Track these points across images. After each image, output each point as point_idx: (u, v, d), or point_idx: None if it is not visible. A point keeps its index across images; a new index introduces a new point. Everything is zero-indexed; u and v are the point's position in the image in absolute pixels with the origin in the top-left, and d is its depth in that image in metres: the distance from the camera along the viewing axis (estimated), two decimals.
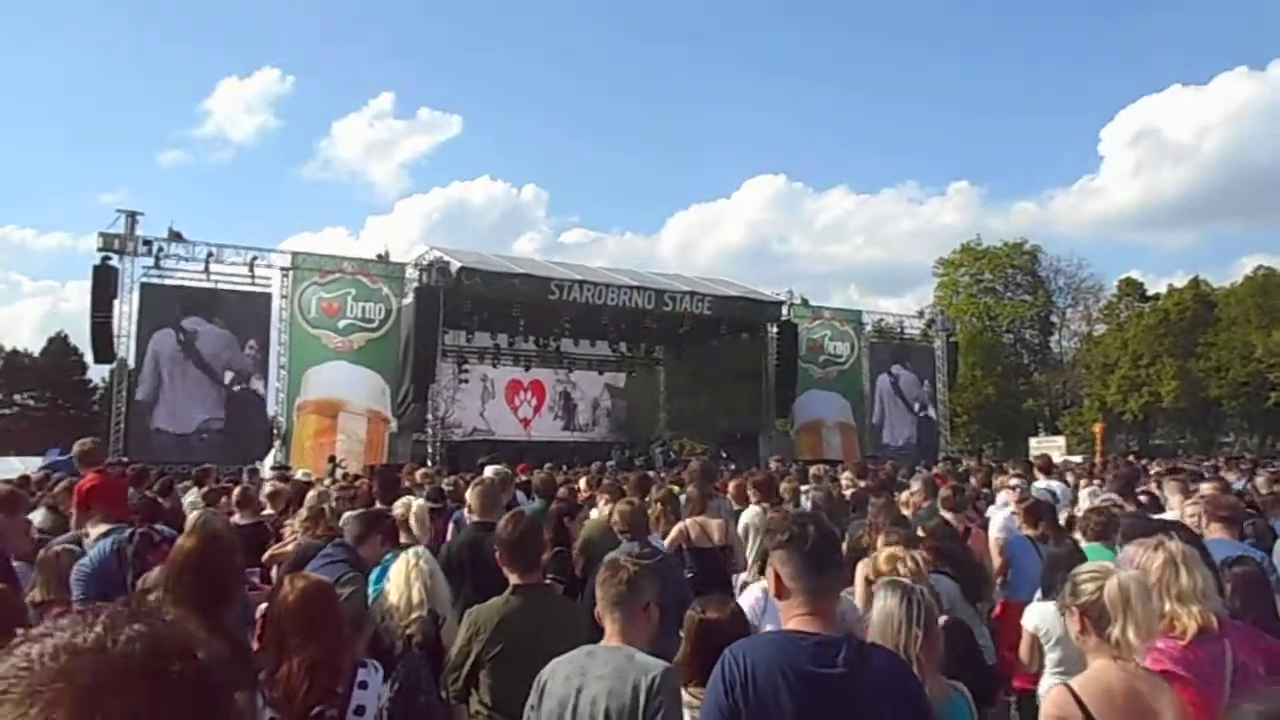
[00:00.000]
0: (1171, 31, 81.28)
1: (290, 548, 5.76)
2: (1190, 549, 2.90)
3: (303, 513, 5.92)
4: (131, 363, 20.80)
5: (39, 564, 4.66)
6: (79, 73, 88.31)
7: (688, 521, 6.19)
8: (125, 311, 20.66)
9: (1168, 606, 2.75)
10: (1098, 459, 24.05)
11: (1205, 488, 6.13)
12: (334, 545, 4.66)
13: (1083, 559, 4.56)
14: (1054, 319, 53.74)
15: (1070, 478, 11.10)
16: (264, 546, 6.44)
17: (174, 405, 20.91)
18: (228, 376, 21.53)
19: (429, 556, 4.38)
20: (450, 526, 7.06)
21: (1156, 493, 7.39)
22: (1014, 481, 7.64)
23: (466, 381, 29.43)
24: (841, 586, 2.47)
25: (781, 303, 28.82)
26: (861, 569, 4.64)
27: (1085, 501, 7.15)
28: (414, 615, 4.01)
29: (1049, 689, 2.58)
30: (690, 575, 5.84)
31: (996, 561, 6.28)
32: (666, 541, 5.99)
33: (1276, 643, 2.95)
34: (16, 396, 47.51)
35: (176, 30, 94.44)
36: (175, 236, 21.32)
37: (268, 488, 8.53)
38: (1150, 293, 50.47)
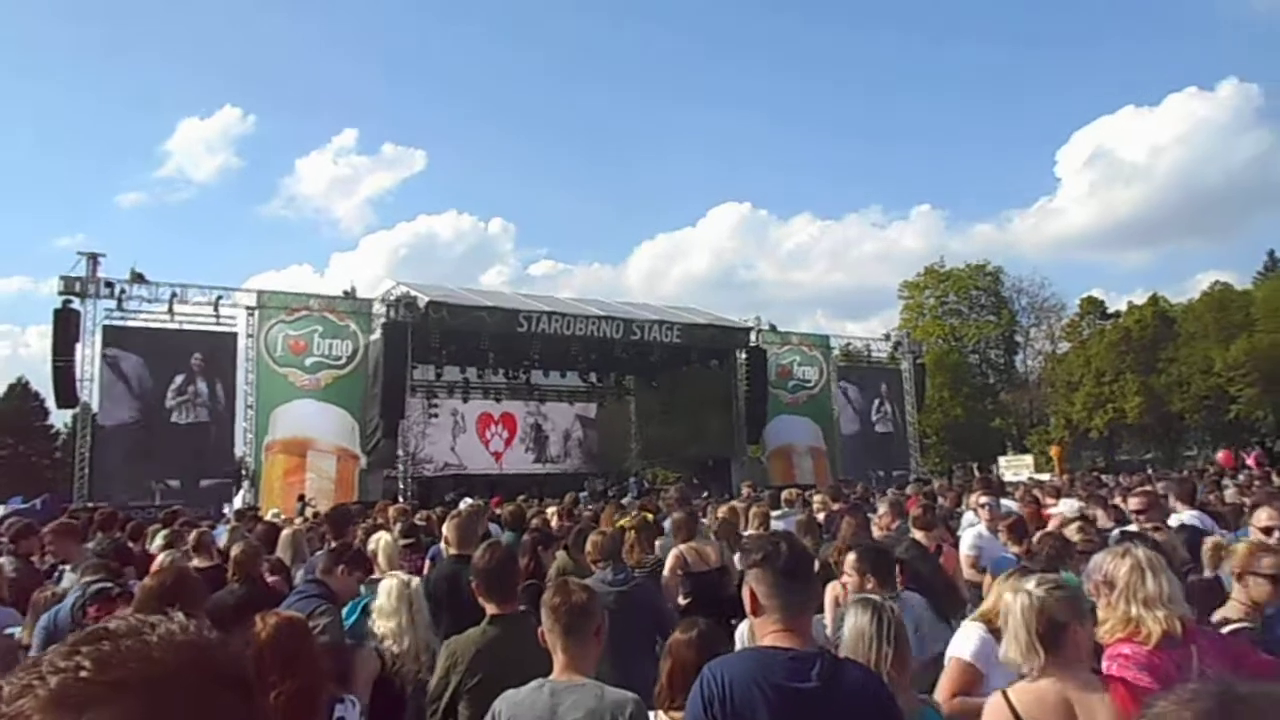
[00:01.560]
0: (1122, 54, 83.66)
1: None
2: (1156, 555, 2.99)
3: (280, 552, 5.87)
4: (95, 406, 20.47)
5: (32, 605, 4.79)
6: (39, 114, 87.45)
7: (683, 547, 6.21)
8: (88, 355, 20.37)
9: (1134, 611, 2.82)
10: (1060, 477, 24.41)
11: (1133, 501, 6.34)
12: (306, 581, 4.65)
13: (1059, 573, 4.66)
14: (1018, 338, 54.55)
15: (1038, 494, 11.28)
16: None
17: (138, 448, 20.55)
18: (188, 415, 21.21)
19: (418, 583, 4.40)
20: (427, 562, 7.02)
21: (1122, 506, 7.53)
22: (984, 500, 7.72)
23: (436, 416, 29.28)
24: (815, 603, 2.53)
25: (750, 329, 29.05)
26: (831, 591, 4.70)
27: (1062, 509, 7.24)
28: (420, 656, 4.00)
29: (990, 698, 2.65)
30: (689, 600, 5.87)
31: (971, 578, 6.36)
32: (666, 568, 6.01)
33: (1244, 647, 3.03)
34: None
35: (134, 71, 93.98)
36: (138, 278, 21.11)
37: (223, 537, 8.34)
38: (1111, 310, 51.51)
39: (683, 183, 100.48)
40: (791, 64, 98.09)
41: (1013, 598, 2.65)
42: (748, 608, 2.51)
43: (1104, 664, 2.77)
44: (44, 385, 31.88)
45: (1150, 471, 23.97)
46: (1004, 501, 9.52)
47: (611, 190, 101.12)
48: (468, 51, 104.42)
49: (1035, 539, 5.75)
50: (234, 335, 22.11)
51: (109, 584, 4.88)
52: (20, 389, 47.07)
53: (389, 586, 4.22)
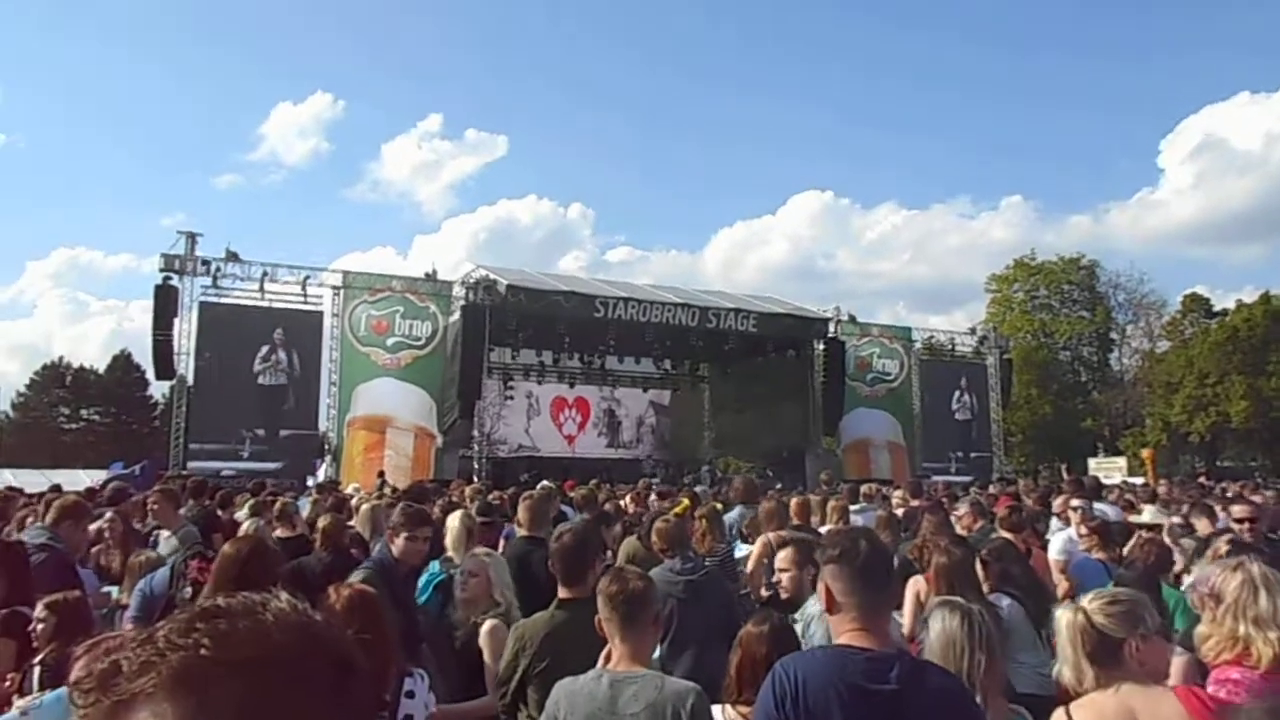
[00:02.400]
0: (1236, 37, 79.09)
1: None
2: (1274, 572, 2.76)
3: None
4: (190, 379, 21.36)
5: (128, 570, 5.00)
6: (148, 98, 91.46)
7: (773, 534, 6.06)
8: (185, 330, 21.23)
9: (1242, 629, 2.61)
10: (1151, 482, 23.33)
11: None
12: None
13: (1155, 586, 4.40)
14: (1113, 336, 52.36)
15: (1131, 499, 10.80)
16: None
17: (227, 420, 21.41)
18: (270, 379, 22.01)
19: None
20: (501, 541, 7.06)
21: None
22: (1076, 503, 7.38)
23: (512, 398, 29.61)
24: (894, 603, 2.42)
25: (828, 319, 28.56)
26: (912, 587, 4.53)
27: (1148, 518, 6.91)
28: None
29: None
30: (771, 593, 5.76)
31: (1060, 583, 6.09)
32: (753, 555, 5.88)
33: None
34: (83, 412, 49.08)
35: (234, 58, 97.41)
36: (232, 257, 21.89)
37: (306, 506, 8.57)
38: (1217, 308, 48.90)
39: (764, 170, 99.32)
40: (883, 57, 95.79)
41: (1061, 613, 2.50)
42: (823, 604, 2.41)
43: (1209, 687, 2.57)
44: (145, 357, 33.32)
45: (1258, 479, 22.73)
46: (1098, 505, 9.14)
47: (692, 177, 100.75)
48: (552, 38, 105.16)
49: (1131, 545, 5.48)
50: (317, 313, 22.81)
51: (204, 548, 5.08)
52: (123, 361, 49.45)
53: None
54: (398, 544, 4.41)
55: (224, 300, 22.01)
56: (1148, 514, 6.13)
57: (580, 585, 3.68)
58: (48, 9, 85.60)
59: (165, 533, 6.36)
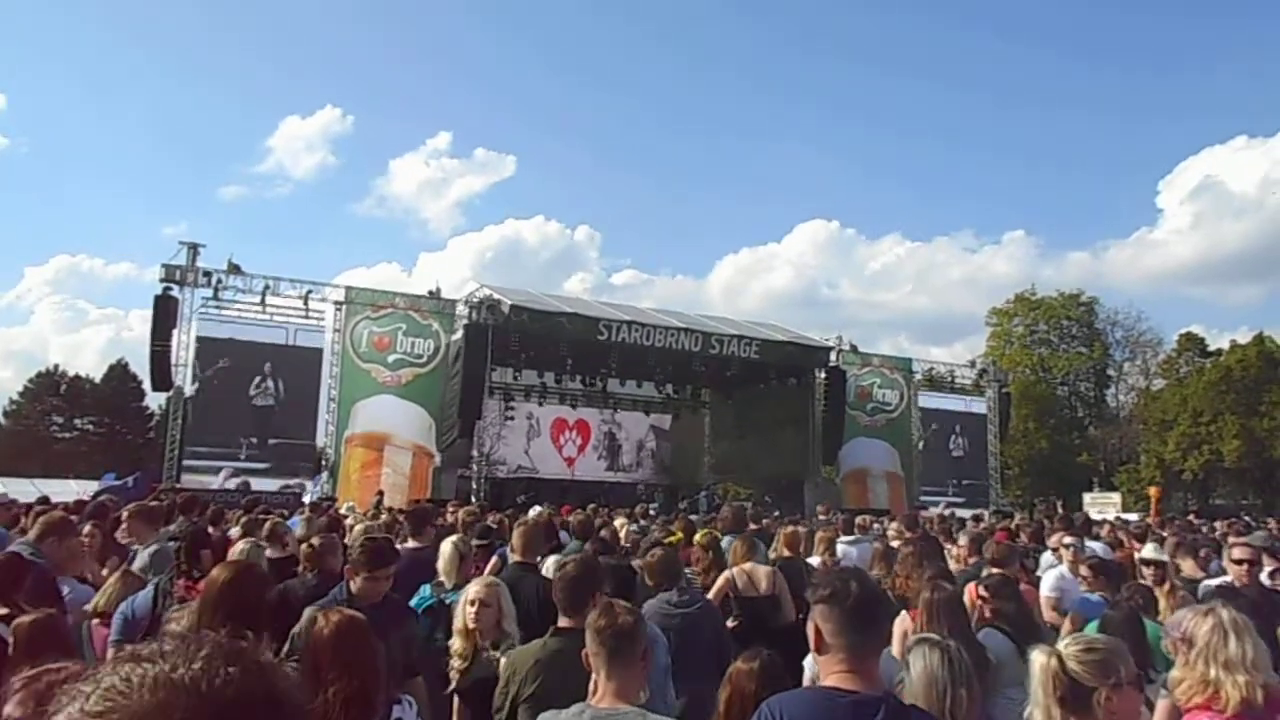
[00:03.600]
0: (1235, 82, 79.88)
1: None
2: (1243, 617, 2.81)
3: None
4: (188, 391, 21.35)
5: (106, 584, 4.84)
6: (154, 106, 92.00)
7: (734, 570, 6.08)
8: (183, 341, 21.23)
9: (1212, 673, 2.67)
10: (1154, 520, 23.25)
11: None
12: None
13: (1140, 626, 4.39)
14: (1110, 372, 52.51)
15: (1123, 537, 10.76)
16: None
17: (222, 433, 21.43)
18: (262, 401, 22.05)
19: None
20: (495, 560, 7.02)
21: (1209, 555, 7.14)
22: (1068, 540, 7.37)
23: (512, 419, 29.57)
24: (883, 644, 2.41)
25: (830, 348, 28.65)
26: (899, 625, 4.52)
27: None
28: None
29: None
30: (734, 625, 5.73)
31: (1052, 621, 6.07)
32: (712, 591, 5.88)
33: None
34: (77, 421, 48.95)
35: (243, 69, 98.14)
36: (234, 269, 21.95)
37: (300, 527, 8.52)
38: (1212, 348, 49.13)
39: (772, 198, 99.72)
40: (894, 92, 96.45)
41: (1036, 656, 2.51)
42: (811, 644, 2.41)
43: None
44: (142, 367, 33.28)
45: (1248, 518, 22.69)
46: (1089, 543, 9.12)
47: (699, 203, 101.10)
48: (564, 61, 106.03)
49: (1124, 588, 5.45)
50: (321, 329, 22.89)
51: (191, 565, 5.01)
52: (120, 370, 49.37)
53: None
54: (356, 582, 4.13)
55: (224, 312, 21.97)
56: (1149, 550, 6.10)
57: (580, 615, 3.65)
58: (55, 12, 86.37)
59: (140, 547, 6.31)
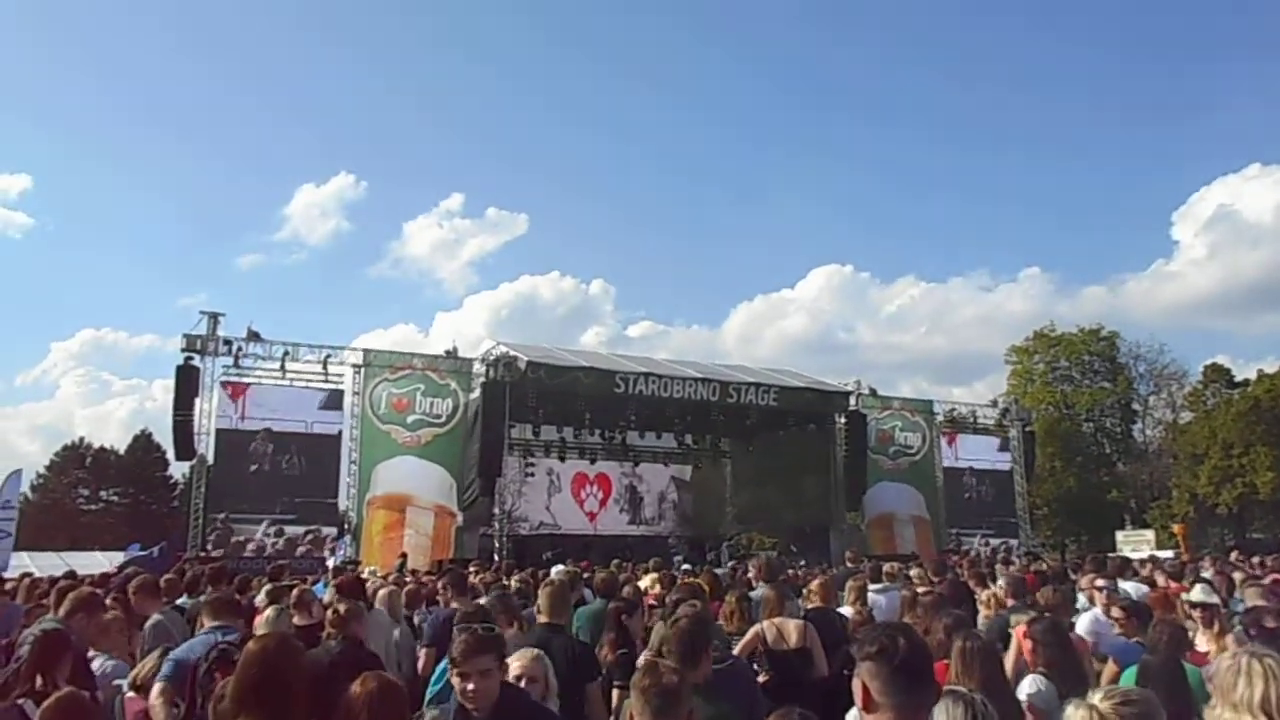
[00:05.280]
0: (1246, 112, 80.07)
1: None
2: (1272, 657, 2.74)
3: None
4: (210, 459, 21.45)
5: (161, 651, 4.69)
6: (174, 180, 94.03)
7: (764, 624, 5.94)
8: (205, 409, 21.38)
9: (1226, 716, 2.68)
10: (1185, 557, 22.75)
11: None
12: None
13: (1179, 670, 4.25)
14: (1136, 407, 51.80)
15: (1158, 576, 10.49)
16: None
17: (249, 501, 21.49)
18: (297, 473, 22.07)
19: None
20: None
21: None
22: (1101, 583, 7.19)
23: (533, 475, 29.48)
24: (933, 703, 2.32)
25: (849, 393, 28.54)
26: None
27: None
28: None
29: None
30: (765, 680, 5.58)
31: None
32: (740, 645, 5.75)
33: None
34: (102, 493, 49.26)
35: (259, 141, 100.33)
36: (253, 336, 22.19)
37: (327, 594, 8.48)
38: (1239, 378, 48.43)
39: (784, 244, 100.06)
40: (903, 126, 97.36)
41: (1073, 711, 2.42)
42: (858, 702, 2.33)
43: None
44: (165, 437, 33.49)
45: None
46: (1124, 584, 8.89)
47: (712, 251, 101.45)
48: (571, 119, 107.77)
49: (1152, 626, 5.30)
50: (341, 392, 23.03)
51: (232, 642, 4.91)
52: (144, 440, 49.80)
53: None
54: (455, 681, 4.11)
55: (245, 379, 22.16)
56: (1198, 593, 5.88)
57: (694, 669, 3.60)
58: (75, 89, 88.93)
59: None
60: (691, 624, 3.68)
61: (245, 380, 22.16)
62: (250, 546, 21.04)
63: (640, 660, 5.43)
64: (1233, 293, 72.40)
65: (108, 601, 6.40)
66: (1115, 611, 6.05)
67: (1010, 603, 7.06)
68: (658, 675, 2.75)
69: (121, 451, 50.08)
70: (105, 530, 42.53)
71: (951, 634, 4.26)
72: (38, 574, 12.46)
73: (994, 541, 29.81)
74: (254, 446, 21.77)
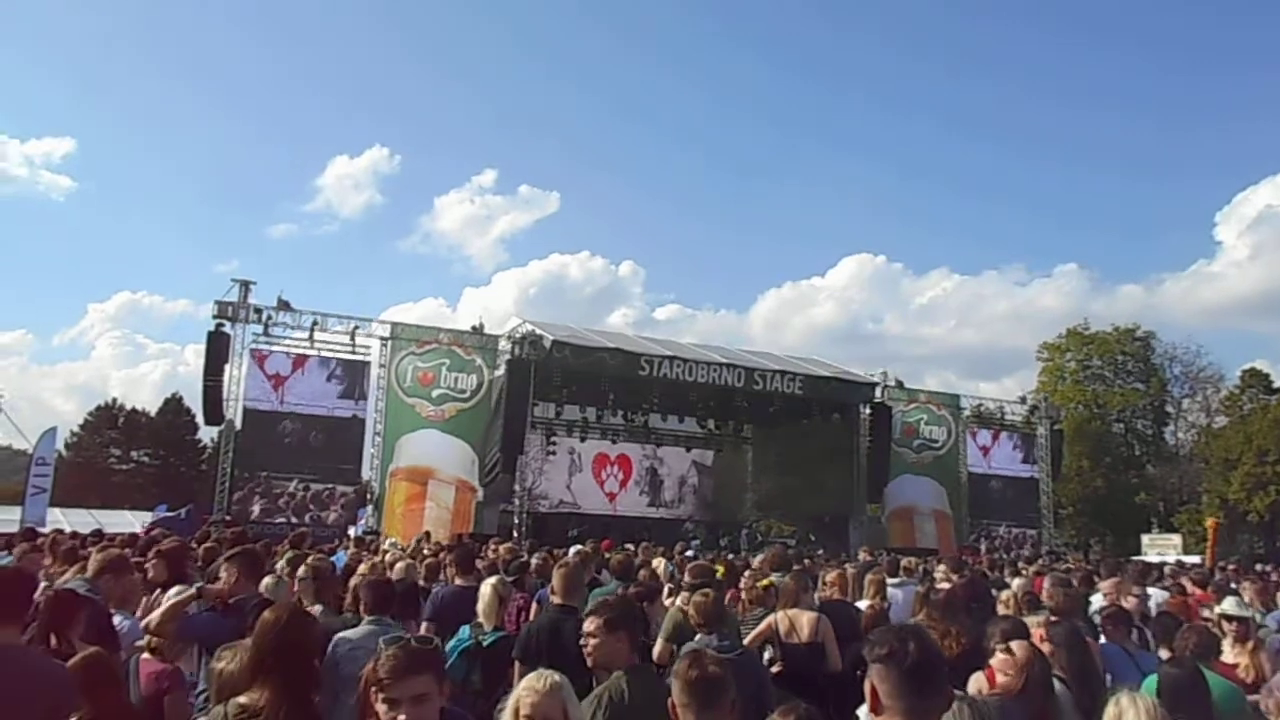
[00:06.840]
0: None
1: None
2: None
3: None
4: (238, 424, 21.73)
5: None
6: (212, 148, 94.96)
7: (778, 615, 5.91)
8: (235, 376, 21.63)
9: None
10: (1209, 560, 22.31)
11: None
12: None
13: (1201, 682, 4.14)
14: (1169, 409, 50.88)
15: (1184, 583, 10.32)
16: None
17: (274, 465, 21.77)
18: (323, 440, 22.31)
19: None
20: (534, 605, 6.94)
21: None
22: (1136, 590, 7.06)
23: (554, 454, 29.60)
24: (945, 708, 2.28)
25: (875, 384, 28.32)
26: (974, 684, 4.34)
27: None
28: None
29: None
30: (777, 671, 5.57)
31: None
32: (751, 635, 5.74)
33: None
34: (133, 453, 50.07)
35: (296, 112, 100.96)
36: (283, 305, 22.38)
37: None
38: (1277, 384, 47.44)
39: (816, 232, 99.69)
40: (943, 120, 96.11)
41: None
42: (868, 704, 2.30)
43: None
44: (196, 401, 33.98)
45: None
46: (1149, 590, 8.77)
47: (742, 237, 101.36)
48: (607, 101, 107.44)
49: (1179, 634, 5.20)
50: (367, 364, 23.19)
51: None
52: (175, 404, 50.50)
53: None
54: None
55: (274, 348, 22.37)
56: (1230, 605, 5.69)
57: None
58: (119, 58, 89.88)
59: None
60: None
61: (274, 349, 22.38)
62: (281, 500, 21.58)
63: (657, 650, 5.44)
64: (1275, 295, 71.00)
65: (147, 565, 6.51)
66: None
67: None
68: (703, 665, 2.72)
69: (153, 414, 50.84)
70: (135, 490, 43.30)
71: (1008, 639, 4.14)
72: (68, 530, 12.68)
73: (1015, 531, 29.76)
74: (283, 425, 22.04)
